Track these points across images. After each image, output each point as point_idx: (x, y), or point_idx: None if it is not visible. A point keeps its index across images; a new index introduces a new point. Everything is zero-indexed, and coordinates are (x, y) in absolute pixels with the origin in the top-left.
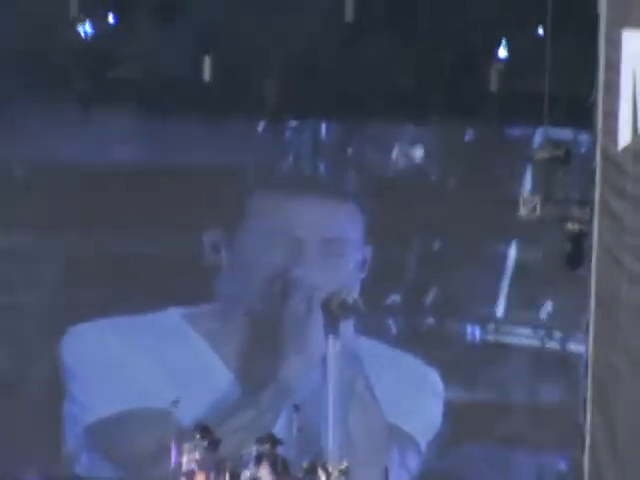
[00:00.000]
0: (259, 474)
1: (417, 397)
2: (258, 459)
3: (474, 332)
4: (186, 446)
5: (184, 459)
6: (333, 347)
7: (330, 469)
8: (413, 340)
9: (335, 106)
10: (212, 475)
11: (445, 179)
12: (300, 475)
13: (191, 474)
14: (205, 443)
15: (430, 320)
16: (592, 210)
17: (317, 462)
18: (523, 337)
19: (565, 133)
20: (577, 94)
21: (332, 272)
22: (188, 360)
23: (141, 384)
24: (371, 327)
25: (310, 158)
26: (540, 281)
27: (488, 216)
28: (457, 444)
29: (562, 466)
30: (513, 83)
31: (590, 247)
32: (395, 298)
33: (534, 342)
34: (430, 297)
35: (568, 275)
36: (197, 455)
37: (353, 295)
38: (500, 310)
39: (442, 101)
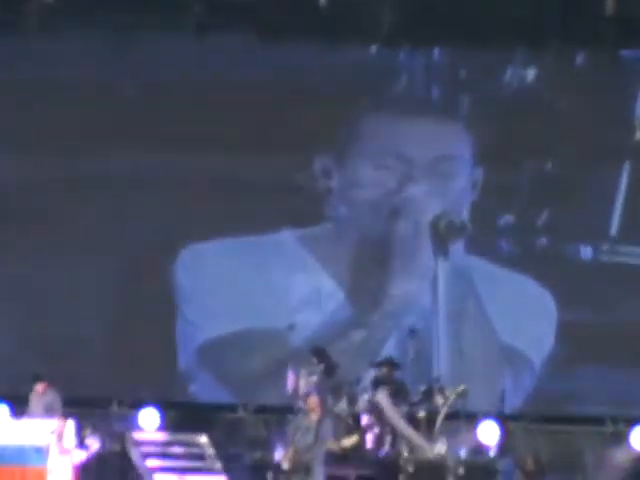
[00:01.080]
0: (377, 398)
1: (530, 317)
2: (375, 383)
3: (587, 252)
4: (303, 370)
5: (301, 383)
6: (443, 268)
7: (447, 393)
8: (526, 261)
9: (448, 30)
10: (330, 399)
11: (557, 100)
12: (417, 399)
13: (308, 397)
14: (322, 367)
15: (543, 241)
16: None
17: (434, 386)
18: (636, 257)
19: None
20: None
21: (441, 192)
22: (301, 281)
23: (254, 305)
24: (483, 248)
25: (423, 81)
26: None
27: (602, 138)
28: (570, 365)
29: None
30: (629, 6)
31: None
32: (508, 219)
33: None
34: (543, 218)
35: None
36: (314, 379)
37: (461, 216)
38: (614, 230)
39: (556, 24)
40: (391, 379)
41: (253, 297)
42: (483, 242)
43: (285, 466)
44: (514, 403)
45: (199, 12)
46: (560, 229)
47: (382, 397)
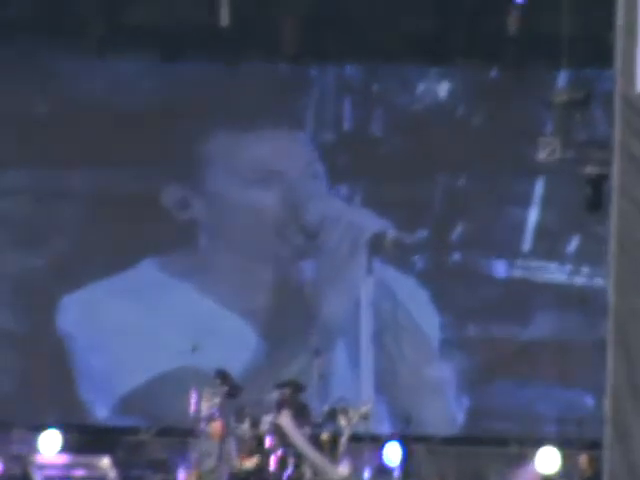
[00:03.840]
0: (279, 420)
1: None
2: (279, 405)
3: (500, 268)
4: (206, 392)
5: (204, 405)
6: (367, 284)
7: (351, 414)
8: (438, 276)
9: (356, 49)
10: (232, 420)
11: (470, 115)
12: (320, 420)
13: (211, 419)
14: (225, 389)
15: (456, 256)
16: (611, 153)
17: (337, 407)
18: (550, 272)
19: (587, 72)
20: (598, 35)
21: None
22: (195, 312)
23: (163, 346)
24: (398, 263)
25: (334, 97)
26: (567, 216)
27: (512, 154)
28: (485, 380)
29: (589, 402)
30: (533, 24)
31: (609, 190)
32: (421, 234)
33: (560, 277)
34: (456, 233)
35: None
36: (217, 401)
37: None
38: (526, 246)
39: (463, 43)
40: (294, 401)
41: (153, 338)
42: (397, 257)
43: None
44: (429, 418)
45: (100, 33)
46: (473, 244)
47: (285, 419)
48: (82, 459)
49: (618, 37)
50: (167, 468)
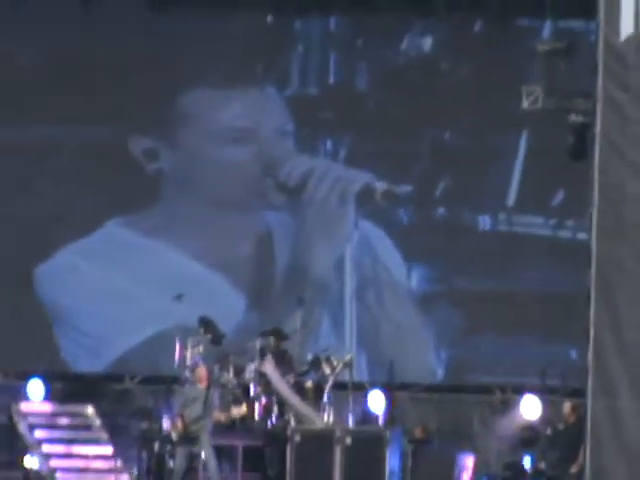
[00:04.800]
0: (263, 368)
1: None
2: (262, 353)
3: (485, 222)
4: (190, 340)
5: (188, 353)
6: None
7: (335, 362)
8: (424, 230)
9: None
10: (216, 368)
11: (454, 69)
12: (304, 368)
13: (195, 367)
14: (209, 336)
15: (441, 210)
16: (595, 101)
17: (321, 356)
18: (534, 226)
19: (572, 23)
20: None
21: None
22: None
23: (150, 306)
24: (383, 217)
25: (320, 50)
26: (551, 171)
27: (497, 107)
28: (470, 333)
29: (572, 355)
30: None
31: (593, 138)
32: (406, 188)
33: (545, 231)
34: (441, 188)
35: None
36: (201, 349)
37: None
38: (511, 200)
39: None
40: (278, 349)
41: (132, 298)
42: (383, 211)
43: (173, 436)
44: (410, 371)
45: None
46: (458, 199)
47: (269, 367)
48: (66, 408)
49: None
50: (152, 416)
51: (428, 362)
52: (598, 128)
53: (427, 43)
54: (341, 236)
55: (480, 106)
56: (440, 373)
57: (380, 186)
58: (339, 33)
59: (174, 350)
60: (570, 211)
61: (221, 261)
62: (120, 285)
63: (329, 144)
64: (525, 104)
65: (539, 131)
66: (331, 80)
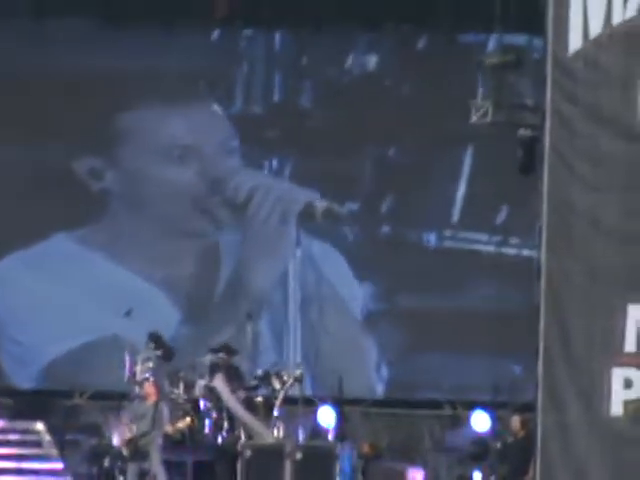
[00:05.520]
0: (213, 383)
1: None
2: (212, 369)
3: (430, 239)
4: (140, 356)
5: (138, 368)
6: (294, 255)
7: (285, 377)
8: (369, 248)
9: (290, 14)
10: (166, 384)
11: (399, 86)
12: (254, 384)
13: (144, 383)
14: (159, 352)
15: (386, 228)
16: (543, 115)
17: (271, 371)
18: (479, 243)
19: (517, 38)
20: None
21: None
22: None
23: (83, 316)
24: (328, 235)
25: (264, 68)
26: (496, 188)
27: (441, 124)
28: (415, 350)
29: (517, 370)
30: None
31: (542, 153)
32: (351, 206)
33: (490, 248)
34: (386, 205)
35: (524, 180)
36: (151, 364)
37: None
38: (456, 217)
39: (394, 8)
40: (228, 364)
41: (74, 309)
42: (327, 228)
43: (123, 452)
44: (353, 388)
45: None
46: (403, 216)
47: (219, 382)
48: (16, 424)
49: (550, 0)
50: (101, 432)
51: (369, 378)
52: (547, 142)
53: (372, 61)
54: (283, 253)
55: (424, 122)
56: (380, 390)
57: (320, 205)
58: (284, 51)
59: (106, 359)
60: (514, 228)
61: (162, 276)
62: (57, 296)
63: (274, 162)
64: (474, 118)
65: (483, 147)
66: (276, 98)
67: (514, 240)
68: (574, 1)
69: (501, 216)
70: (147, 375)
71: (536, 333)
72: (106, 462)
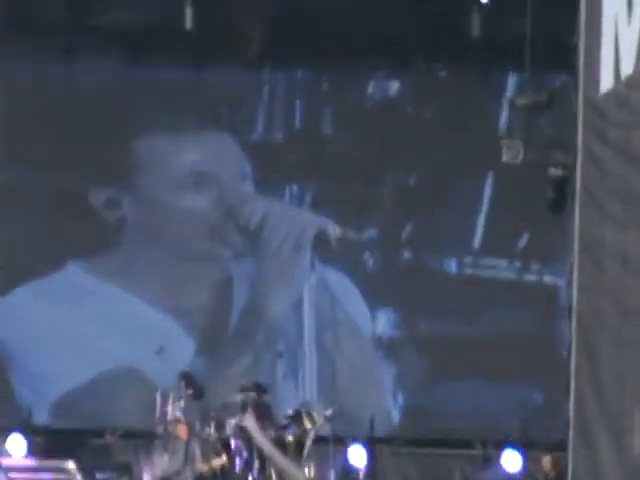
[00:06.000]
0: (244, 422)
1: None
2: (243, 407)
3: (451, 266)
4: (171, 395)
5: (169, 408)
6: (309, 283)
7: (316, 416)
8: (390, 275)
9: (315, 46)
10: (197, 424)
11: (421, 115)
12: (285, 422)
13: (176, 422)
14: (190, 391)
15: (407, 255)
16: (575, 155)
17: (302, 410)
18: (500, 270)
19: (548, 77)
20: (560, 37)
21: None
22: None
23: (97, 347)
24: (347, 262)
25: (285, 95)
26: (517, 214)
27: (464, 152)
28: (437, 378)
29: (538, 397)
30: (495, 26)
31: (573, 192)
32: (371, 233)
33: (510, 275)
34: (406, 232)
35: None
36: (182, 404)
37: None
38: (477, 243)
39: (424, 45)
40: (258, 403)
41: (89, 340)
42: (345, 255)
43: None
44: (382, 426)
45: (67, 37)
46: (424, 243)
47: (250, 421)
48: (48, 462)
49: (581, 39)
50: (132, 471)
51: (387, 413)
52: (578, 181)
53: (393, 87)
54: (298, 280)
55: (445, 149)
56: (396, 420)
57: (334, 231)
58: (305, 79)
59: (118, 390)
60: (535, 254)
61: (176, 306)
62: (71, 326)
63: (295, 188)
64: (506, 158)
65: (503, 174)
66: (297, 125)
67: (534, 266)
68: (605, 41)
69: (521, 243)
70: (178, 414)
71: (557, 361)
72: None
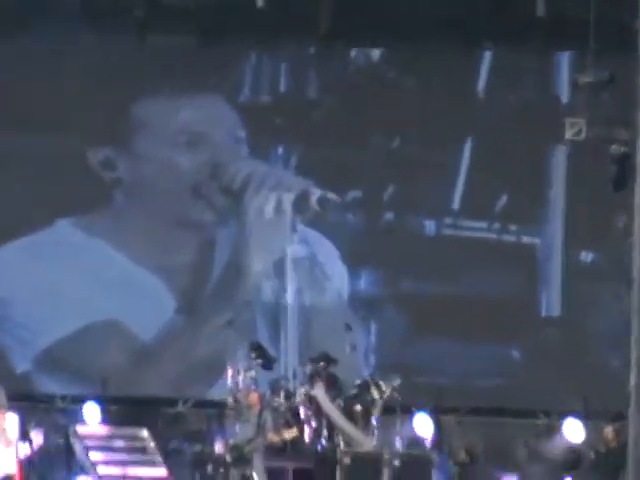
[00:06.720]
0: (313, 392)
1: None
2: (312, 378)
3: (431, 227)
4: (241, 365)
5: (240, 378)
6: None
7: (383, 387)
8: (372, 235)
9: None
10: (268, 393)
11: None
12: (353, 393)
13: (248, 392)
14: (260, 361)
15: (389, 215)
16: (636, 132)
17: (369, 380)
18: (479, 231)
19: (610, 57)
20: (623, 17)
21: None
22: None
23: (83, 300)
24: (330, 222)
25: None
26: (495, 177)
27: (445, 114)
28: (416, 337)
29: (516, 355)
30: (559, 6)
31: (633, 168)
32: (356, 194)
33: (489, 235)
34: (389, 194)
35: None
36: (253, 373)
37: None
38: (456, 205)
39: (489, 25)
40: (327, 373)
41: (77, 293)
42: (330, 216)
43: (227, 458)
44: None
45: (140, 15)
46: (405, 205)
47: (318, 391)
48: (122, 431)
49: None
50: (204, 439)
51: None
52: (638, 158)
53: (375, 54)
54: (279, 241)
55: (427, 114)
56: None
57: (314, 193)
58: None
59: (103, 342)
60: (513, 215)
61: (160, 264)
62: (57, 280)
63: (280, 150)
64: (568, 135)
65: (483, 139)
66: (282, 88)
67: (513, 227)
68: None
69: (500, 204)
70: (249, 384)
71: (534, 320)
72: (209, 469)
